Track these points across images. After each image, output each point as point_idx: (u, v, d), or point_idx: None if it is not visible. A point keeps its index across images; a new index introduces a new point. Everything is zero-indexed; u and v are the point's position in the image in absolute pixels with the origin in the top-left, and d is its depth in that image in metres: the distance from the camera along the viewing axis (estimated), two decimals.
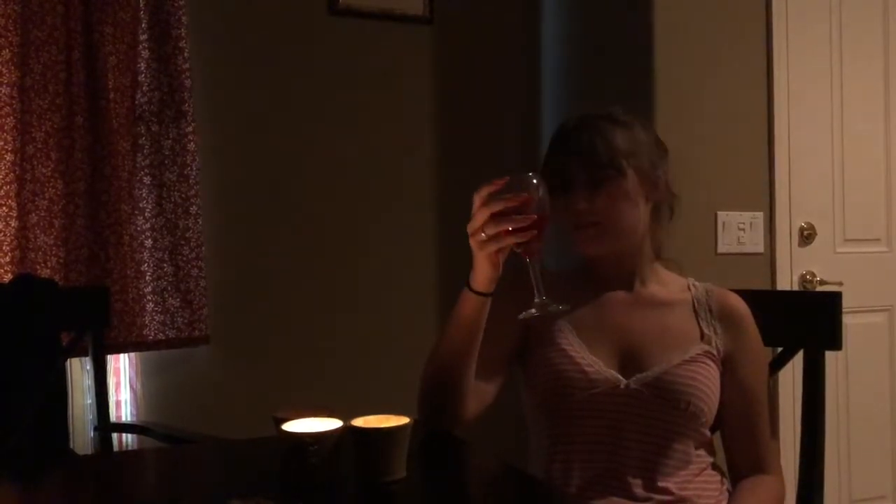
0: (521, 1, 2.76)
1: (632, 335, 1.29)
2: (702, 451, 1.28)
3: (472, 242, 1.11)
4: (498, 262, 1.13)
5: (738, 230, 2.33)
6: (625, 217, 1.28)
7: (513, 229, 1.07)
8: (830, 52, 2.51)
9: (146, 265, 2.26)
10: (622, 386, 1.24)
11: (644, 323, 1.30)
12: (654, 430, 1.23)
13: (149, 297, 2.26)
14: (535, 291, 1.11)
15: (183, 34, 2.27)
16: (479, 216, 1.08)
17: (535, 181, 1.09)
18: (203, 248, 2.30)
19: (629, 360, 1.27)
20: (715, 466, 1.31)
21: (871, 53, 2.58)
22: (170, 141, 2.27)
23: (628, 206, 1.27)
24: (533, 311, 1.11)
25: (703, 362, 1.27)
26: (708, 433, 1.29)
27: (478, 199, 1.09)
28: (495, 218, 1.07)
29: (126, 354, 2.30)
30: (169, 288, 2.27)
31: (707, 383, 1.25)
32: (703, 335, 1.30)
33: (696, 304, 1.33)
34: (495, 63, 2.72)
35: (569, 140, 1.29)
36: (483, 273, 1.14)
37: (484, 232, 1.08)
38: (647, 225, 1.33)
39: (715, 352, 1.29)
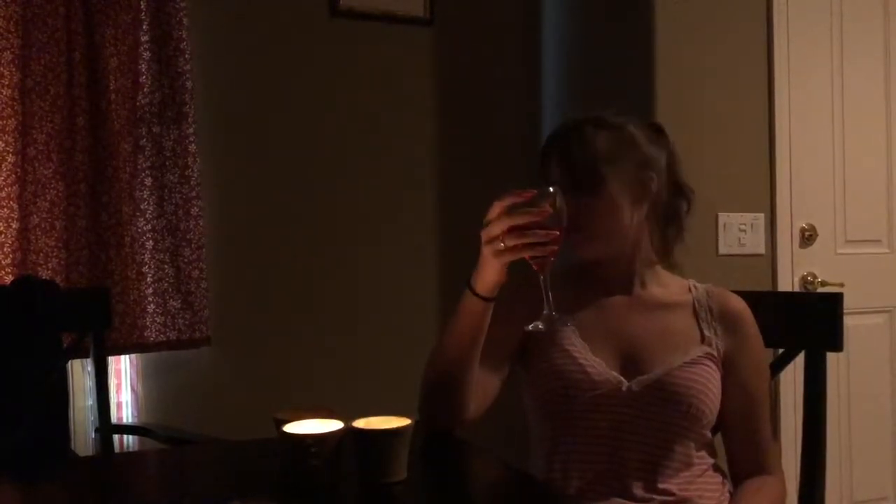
0: (521, 1, 2.76)
1: (633, 337, 1.29)
2: (703, 453, 1.28)
3: (487, 249, 1.10)
4: (506, 269, 1.13)
5: (739, 231, 2.33)
6: (605, 223, 1.27)
7: (532, 244, 1.07)
8: (831, 53, 2.51)
9: (147, 267, 2.26)
10: (624, 388, 1.24)
11: (645, 325, 1.30)
12: (655, 433, 1.23)
13: (150, 299, 2.26)
14: (545, 304, 1.11)
15: (184, 36, 2.27)
16: (499, 225, 1.07)
17: (557, 197, 1.09)
18: (204, 250, 2.30)
19: (630, 363, 1.27)
20: (716, 467, 1.31)
21: (872, 54, 2.58)
22: (171, 142, 2.27)
23: (609, 211, 1.27)
24: (539, 324, 1.12)
25: (703, 364, 1.27)
26: (709, 434, 1.29)
27: (498, 207, 1.08)
28: (516, 230, 1.07)
29: (127, 356, 2.30)
30: (170, 289, 2.27)
31: (708, 385, 1.25)
32: (703, 337, 1.30)
33: (696, 306, 1.33)
34: (495, 63, 2.73)
35: (552, 145, 1.31)
36: (490, 278, 1.14)
37: (503, 242, 1.08)
38: (641, 227, 1.32)
39: (715, 353, 1.29)
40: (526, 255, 1.09)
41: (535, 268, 1.11)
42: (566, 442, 1.26)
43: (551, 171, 1.29)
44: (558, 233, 1.08)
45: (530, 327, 1.12)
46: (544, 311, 1.11)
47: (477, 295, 1.16)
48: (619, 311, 1.32)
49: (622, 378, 1.25)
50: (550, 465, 1.28)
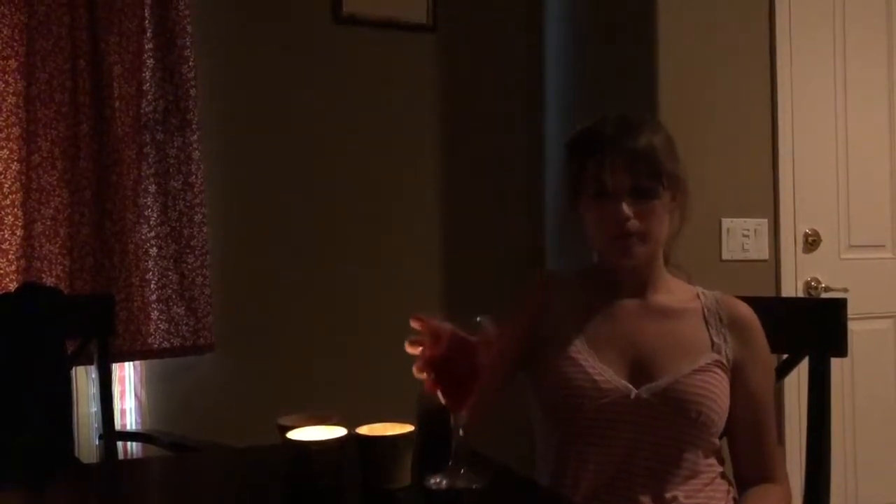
0: (524, 8, 2.77)
1: (642, 344, 1.28)
2: (711, 461, 1.27)
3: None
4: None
5: (743, 237, 2.33)
6: (664, 227, 1.27)
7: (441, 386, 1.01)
8: (834, 58, 2.51)
9: (151, 273, 2.27)
10: (632, 396, 1.23)
11: (654, 332, 1.29)
12: (664, 440, 1.23)
13: (154, 306, 2.26)
14: (451, 457, 1.02)
15: (188, 43, 2.28)
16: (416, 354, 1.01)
17: (488, 327, 1.00)
18: (208, 257, 2.30)
19: (639, 370, 1.26)
20: (723, 476, 1.31)
21: (876, 59, 2.57)
22: (175, 149, 2.28)
23: (663, 214, 1.26)
24: (441, 481, 1.02)
25: (713, 371, 1.26)
26: (717, 441, 1.29)
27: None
28: (426, 364, 1.00)
29: (131, 362, 2.30)
30: (174, 296, 2.27)
31: (717, 392, 1.24)
32: (713, 344, 1.29)
33: (706, 313, 1.32)
34: (499, 70, 2.73)
35: (615, 145, 1.24)
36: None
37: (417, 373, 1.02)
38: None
39: (725, 360, 1.28)
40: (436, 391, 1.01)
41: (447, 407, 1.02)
42: (574, 450, 1.26)
43: (607, 170, 1.23)
44: (467, 378, 1.00)
45: (431, 484, 1.01)
46: (450, 463, 1.02)
47: None
48: (629, 317, 1.31)
49: (630, 386, 1.24)
50: (558, 472, 1.27)
